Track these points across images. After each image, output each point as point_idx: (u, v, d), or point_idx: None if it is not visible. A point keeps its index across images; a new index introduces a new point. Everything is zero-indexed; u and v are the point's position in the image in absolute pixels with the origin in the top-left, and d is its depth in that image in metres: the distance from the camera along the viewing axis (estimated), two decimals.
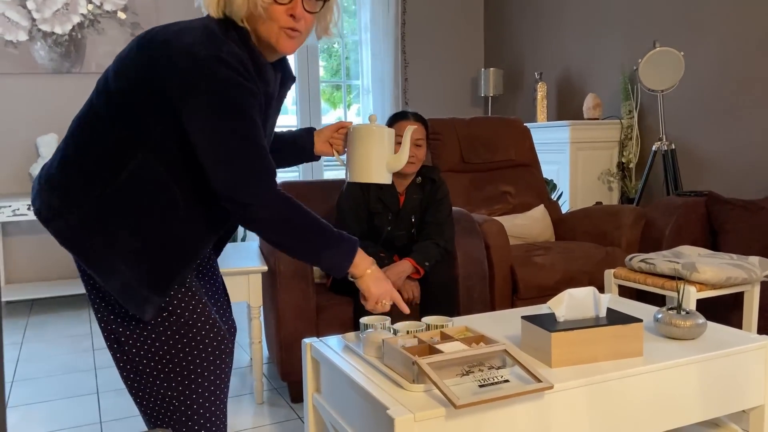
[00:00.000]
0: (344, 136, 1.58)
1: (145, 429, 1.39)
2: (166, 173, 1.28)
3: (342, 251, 1.35)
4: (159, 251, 1.29)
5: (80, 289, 3.90)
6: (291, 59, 4.90)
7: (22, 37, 4.03)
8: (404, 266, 2.32)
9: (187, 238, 1.33)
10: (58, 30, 4.11)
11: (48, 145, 3.97)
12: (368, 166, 1.48)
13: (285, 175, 5.30)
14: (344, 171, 1.58)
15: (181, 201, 1.30)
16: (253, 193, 1.25)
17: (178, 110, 1.23)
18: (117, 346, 1.35)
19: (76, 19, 4.15)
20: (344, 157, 1.56)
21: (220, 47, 1.23)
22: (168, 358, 1.32)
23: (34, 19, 4.05)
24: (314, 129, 1.64)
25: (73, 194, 1.28)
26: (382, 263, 2.36)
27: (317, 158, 1.65)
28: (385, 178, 1.51)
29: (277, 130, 1.63)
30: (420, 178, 2.51)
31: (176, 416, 1.34)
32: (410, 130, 1.57)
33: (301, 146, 1.61)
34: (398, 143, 2.37)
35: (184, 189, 1.30)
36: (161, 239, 1.29)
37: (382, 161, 1.48)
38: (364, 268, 1.39)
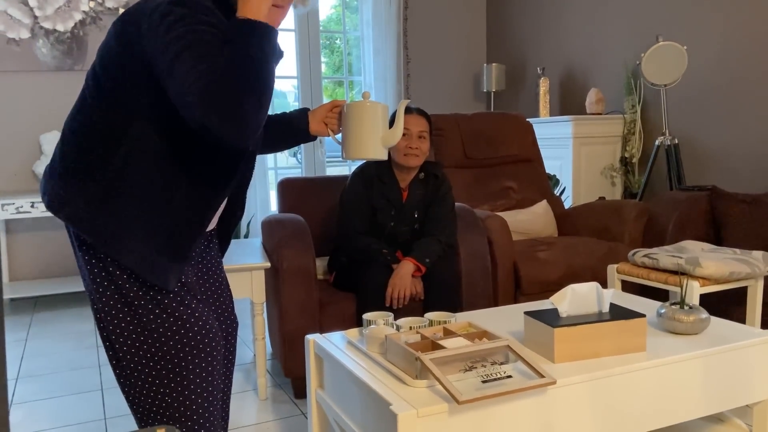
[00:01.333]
0: (338, 114, 1.57)
1: (146, 427, 1.39)
2: (163, 141, 1.28)
3: (262, 32, 1.23)
4: (169, 221, 1.31)
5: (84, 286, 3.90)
6: (291, 56, 4.90)
7: (24, 34, 4.03)
8: (407, 267, 2.31)
9: (194, 203, 1.34)
10: (60, 27, 4.11)
11: (51, 143, 3.97)
12: (363, 141, 1.46)
13: (288, 172, 5.30)
14: (341, 154, 1.56)
15: (183, 167, 1.31)
16: (201, 111, 1.14)
17: (151, 61, 1.22)
18: (109, 343, 1.35)
19: (78, 17, 4.15)
20: (339, 136, 1.55)
21: None
22: (159, 356, 1.33)
23: (36, 17, 4.05)
24: (308, 109, 1.63)
25: (76, 180, 1.30)
26: (385, 259, 2.36)
27: (313, 138, 1.64)
28: (381, 154, 1.49)
29: (270, 112, 1.62)
30: (423, 173, 2.50)
31: (168, 413, 1.35)
32: (404, 103, 1.55)
33: (296, 128, 1.60)
34: (402, 135, 2.38)
35: (184, 154, 1.30)
36: (169, 209, 1.30)
37: (377, 136, 1.47)
38: (258, 11, 1.26)
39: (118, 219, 1.29)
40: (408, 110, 2.45)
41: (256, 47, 1.21)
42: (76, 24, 4.14)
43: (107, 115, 1.29)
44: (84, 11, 4.15)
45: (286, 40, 4.86)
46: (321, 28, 4.98)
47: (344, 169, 5.08)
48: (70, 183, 1.31)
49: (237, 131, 1.15)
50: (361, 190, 2.46)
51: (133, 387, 1.35)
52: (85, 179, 1.30)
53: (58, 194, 1.32)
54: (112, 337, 1.34)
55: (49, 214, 3.72)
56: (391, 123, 1.57)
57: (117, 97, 1.28)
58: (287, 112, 1.65)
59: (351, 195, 2.48)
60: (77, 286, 3.91)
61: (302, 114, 1.61)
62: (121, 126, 1.28)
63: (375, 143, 1.46)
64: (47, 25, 4.08)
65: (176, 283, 1.32)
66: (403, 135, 2.39)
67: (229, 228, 1.58)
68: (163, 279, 1.31)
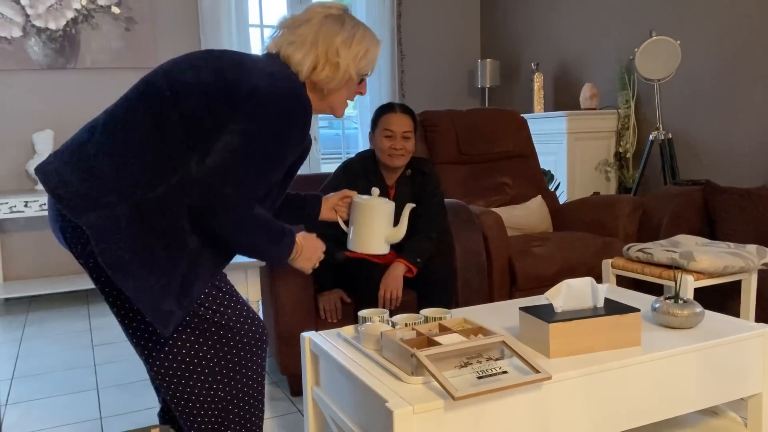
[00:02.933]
0: (348, 204, 1.71)
1: (145, 425, 1.41)
2: None
3: (281, 249, 1.41)
4: (189, 264, 1.31)
5: (79, 285, 3.89)
6: None
7: (16, 33, 4.01)
8: (398, 269, 2.29)
9: (218, 249, 1.37)
10: (52, 25, 4.09)
11: (44, 142, 3.95)
12: (369, 239, 1.60)
13: None
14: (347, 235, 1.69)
15: None
16: (228, 193, 1.28)
17: (236, 115, 1.30)
18: (157, 350, 1.37)
19: (70, 15, 4.13)
20: (348, 224, 1.69)
21: (297, 84, 1.37)
22: (219, 352, 1.38)
23: (27, 15, 4.03)
24: (322, 197, 1.75)
25: (112, 189, 1.27)
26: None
27: (319, 223, 1.78)
28: (384, 249, 1.64)
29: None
30: (410, 170, 2.47)
31: (222, 405, 1.40)
32: (410, 207, 1.67)
33: (307, 213, 1.74)
34: (386, 136, 2.35)
35: None
36: (193, 252, 1.31)
37: (382, 235, 1.60)
38: (297, 253, 1.46)
39: (138, 250, 1.26)
40: (391, 108, 2.41)
41: (269, 253, 1.37)
42: (68, 22, 4.12)
43: (174, 145, 1.30)
44: (76, 9, 4.13)
45: None
46: None
47: (337, 165, 5.07)
48: (101, 189, 1.27)
49: (209, 219, 1.28)
50: (341, 187, 2.41)
51: (187, 390, 1.38)
52: (123, 193, 1.27)
53: (79, 193, 1.27)
54: (165, 349, 1.37)
55: (42, 213, 3.70)
56: (397, 220, 1.69)
57: (190, 131, 1.31)
58: (302, 195, 1.76)
59: (331, 191, 2.43)
60: (72, 285, 3.90)
61: (316, 201, 1.74)
62: (184, 157, 1.30)
63: (379, 241, 1.60)
64: (39, 23, 4.06)
65: (173, 329, 1.32)
66: (387, 136, 2.36)
67: None
68: (164, 324, 1.30)
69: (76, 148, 1.32)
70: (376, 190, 1.65)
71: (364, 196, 1.66)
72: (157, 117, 1.31)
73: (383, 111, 2.42)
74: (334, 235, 2.46)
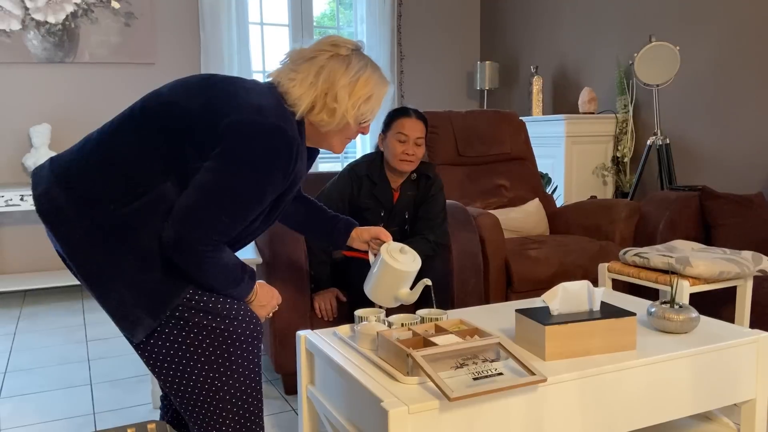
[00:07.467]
0: (379, 244, 1.72)
1: (139, 421, 1.41)
2: None
3: (239, 291, 1.41)
4: (161, 276, 1.32)
5: (73, 280, 3.88)
6: (285, 51, 4.88)
7: (15, 26, 4.00)
8: None
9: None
10: (51, 19, 4.07)
11: (41, 135, 3.94)
12: (384, 295, 1.66)
13: None
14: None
15: None
16: (194, 237, 1.27)
17: (216, 146, 1.29)
18: (160, 362, 1.37)
19: (70, 9, 4.11)
20: (371, 265, 1.72)
21: (286, 121, 1.33)
22: (213, 350, 1.36)
23: (27, 8, 4.01)
24: (354, 225, 1.75)
25: (89, 203, 1.30)
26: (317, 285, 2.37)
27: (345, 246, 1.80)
28: (391, 305, 1.69)
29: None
30: (415, 174, 2.47)
31: (219, 397, 1.39)
32: (425, 282, 1.68)
33: (334, 240, 1.75)
34: (400, 140, 2.34)
35: None
36: (165, 265, 1.32)
37: (395, 294, 1.66)
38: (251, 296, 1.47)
39: (112, 260, 1.30)
40: (406, 112, 2.40)
41: (226, 293, 1.37)
42: (67, 16, 4.11)
43: (152, 164, 1.31)
44: (76, 3, 4.12)
45: (280, 35, 4.84)
46: (315, 23, 4.96)
47: (336, 165, 5.07)
48: (79, 203, 1.31)
49: (172, 253, 1.28)
50: (346, 189, 2.40)
51: (187, 386, 1.38)
52: (97, 208, 1.30)
53: (60, 207, 1.31)
54: (163, 350, 1.36)
55: None
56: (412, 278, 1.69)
57: (175, 148, 1.31)
58: (336, 216, 1.77)
59: (334, 191, 2.40)
60: (66, 279, 3.88)
61: (345, 230, 1.75)
62: (162, 175, 1.31)
63: (390, 298, 1.67)
64: (38, 16, 4.04)
65: (143, 336, 1.33)
66: (400, 141, 2.35)
67: None
68: (131, 330, 1.32)
69: (68, 159, 1.36)
70: (406, 248, 1.68)
71: (393, 244, 1.68)
72: (143, 137, 1.33)
73: (398, 114, 2.40)
74: None
